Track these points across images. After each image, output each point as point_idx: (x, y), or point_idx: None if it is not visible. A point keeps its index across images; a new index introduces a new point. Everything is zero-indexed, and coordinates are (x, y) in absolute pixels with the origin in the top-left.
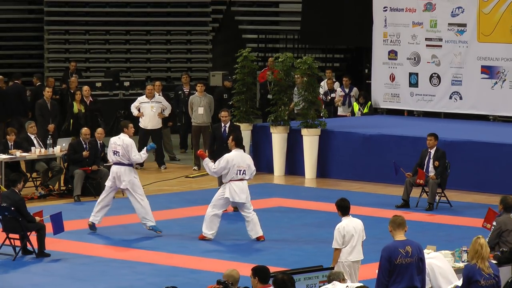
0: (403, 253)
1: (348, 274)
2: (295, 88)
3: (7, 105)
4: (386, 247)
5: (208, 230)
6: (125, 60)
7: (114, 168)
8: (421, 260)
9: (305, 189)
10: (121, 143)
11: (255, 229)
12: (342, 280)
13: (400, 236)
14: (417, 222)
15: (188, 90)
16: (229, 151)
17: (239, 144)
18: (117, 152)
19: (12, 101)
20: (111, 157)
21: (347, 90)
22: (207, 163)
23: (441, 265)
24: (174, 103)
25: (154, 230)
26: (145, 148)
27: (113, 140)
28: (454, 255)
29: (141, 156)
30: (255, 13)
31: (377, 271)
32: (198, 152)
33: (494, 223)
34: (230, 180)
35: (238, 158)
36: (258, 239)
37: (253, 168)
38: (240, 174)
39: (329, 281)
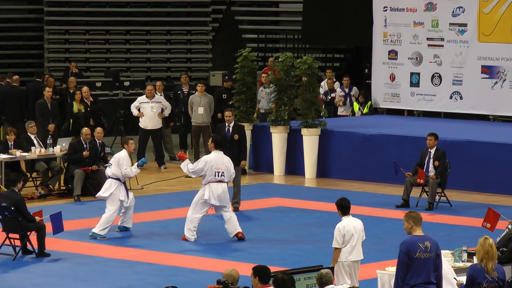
0: (422, 248)
1: (348, 273)
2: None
3: (28, 104)
4: (405, 241)
5: (188, 233)
6: (125, 60)
7: None
8: (438, 256)
9: (305, 189)
10: (115, 157)
11: (234, 227)
12: (333, 281)
13: (419, 232)
14: None
15: (187, 90)
16: (232, 150)
17: (219, 146)
18: (111, 164)
19: (35, 100)
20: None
21: (347, 90)
22: (187, 163)
23: (443, 266)
24: (174, 103)
25: (94, 237)
26: (136, 163)
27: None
28: (454, 254)
29: (132, 170)
30: (255, 13)
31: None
32: (178, 154)
33: (509, 226)
34: (209, 182)
35: (217, 160)
36: (237, 235)
37: (232, 171)
38: (218, 175)
39: (322, 284)
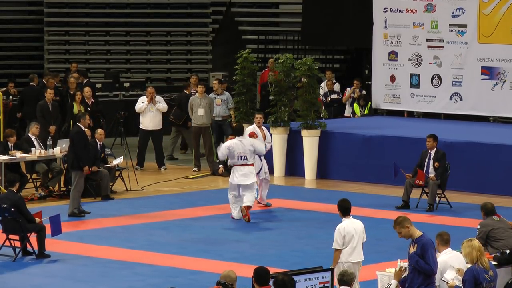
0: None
1: None
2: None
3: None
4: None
5: (233, 212)
6: (125, 61)
7: None
8: None
9: (305, 190)
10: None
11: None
12: (352, 283)
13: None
14: (417, 223)
15: (196, 91)
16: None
17: (237, 133)
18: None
19: (31, 106)
20: None
21: (357, 90)
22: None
23: (458, 267)
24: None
25: None
26: None
27: None
28: None
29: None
30: (255, 14)
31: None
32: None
33: (478, 226)
34: (234, 165)
35: (238, 145)
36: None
37: (258, 149)
38: (241, 159)
39: (341, 282)
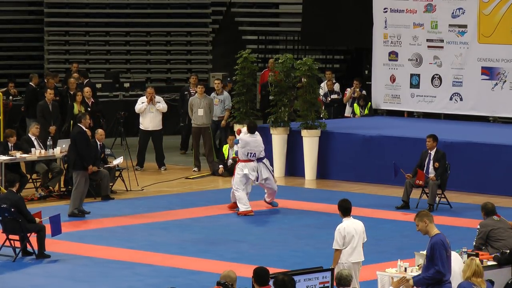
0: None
1: None
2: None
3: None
4: (437, 237)
5: (247, 206)
6: (125, 62)
7: None
8: None
9: (305, 190)
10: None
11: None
12: (350, 284)
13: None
14: None
15: (195, 91)
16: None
17: (251, 131)
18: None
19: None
20: None
21: (357, 90)
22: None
23: (455, 268)
24: (179, 103)
25: None
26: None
27: None
28: None
29: None
30: (255, 14)
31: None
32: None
33: (478, 226)
34: (240, 160)
35: (252, 142)
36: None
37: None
38: (250, 156)
39: (339, 285)
